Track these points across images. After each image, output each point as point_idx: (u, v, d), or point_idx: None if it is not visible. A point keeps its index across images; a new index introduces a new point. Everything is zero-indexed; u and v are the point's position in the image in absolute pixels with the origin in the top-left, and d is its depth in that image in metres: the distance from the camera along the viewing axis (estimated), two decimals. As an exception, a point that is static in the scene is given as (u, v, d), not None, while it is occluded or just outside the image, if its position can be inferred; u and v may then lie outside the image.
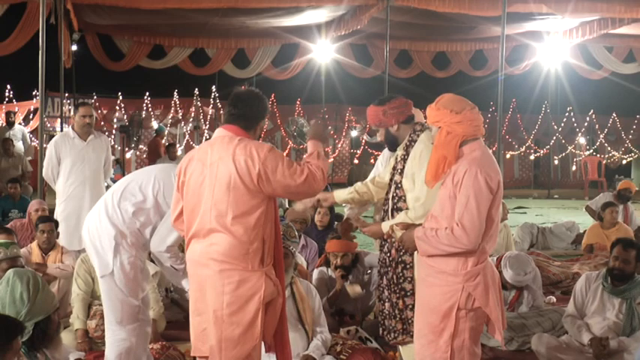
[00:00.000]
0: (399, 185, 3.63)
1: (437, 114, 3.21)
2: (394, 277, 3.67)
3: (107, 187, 5.97)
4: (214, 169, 3.17)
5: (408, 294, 3.61)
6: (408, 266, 3.62)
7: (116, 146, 18.90)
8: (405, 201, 3.59)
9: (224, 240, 3.14)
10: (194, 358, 4.09)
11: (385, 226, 3.62)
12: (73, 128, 6.63)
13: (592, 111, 20.15)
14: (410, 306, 3.60)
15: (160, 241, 3.86)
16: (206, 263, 3.19)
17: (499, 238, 6.83)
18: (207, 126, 18.46)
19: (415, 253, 3.51)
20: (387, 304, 3.74)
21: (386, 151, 4.58)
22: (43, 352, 3.22)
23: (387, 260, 3.73)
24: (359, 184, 4.15)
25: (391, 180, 3.74)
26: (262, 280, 3.15)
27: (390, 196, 3.71)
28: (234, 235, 3.12)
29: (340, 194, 4.16)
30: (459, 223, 3.04)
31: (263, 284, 3.15)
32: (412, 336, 3.57)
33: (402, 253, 3.62)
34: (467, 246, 3.06)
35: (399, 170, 3.65)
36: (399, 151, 3.72)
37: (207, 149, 3.27)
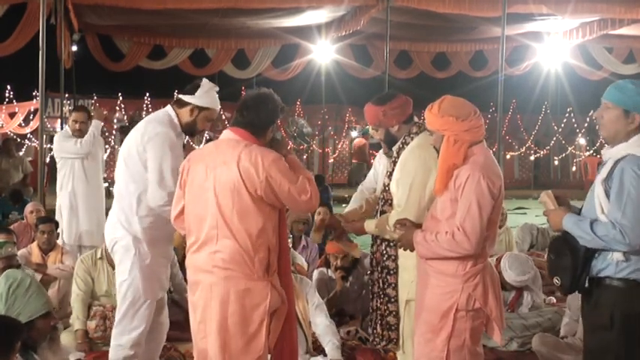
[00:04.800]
0: (387, 188, 3.58)
1: (442, 122, 3.13)
2: (379, 281, 3.63)
3: (107, 189, 5.97)
4: (218, 173, 3.11)
5: (392, 300, 3.56)
6: (391, 272, 3.56)
7: (116, 147, 18.89)
8: (390, 205, 3.54)
9: (229, 247, 3.09)
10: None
11: (367, 225, 3.58)
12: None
13: (592, 111, 20.10)
14: (393, 312, 3.55)
15: (155, 190, 3.76)
16: (211, 270, 3.13)
17: (501, 244, 6.85)
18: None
19: (400, 258, 3.52)
20: (374, 308, 3.70)
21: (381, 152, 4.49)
22: (32, 356, 3.19)
23: (374, 262, 3.70)
24: (364, 195, 4.03)
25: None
26: (268, 290, 3.11)
27: (380, 197, 3.68)
28: (238, 242, 3.07)
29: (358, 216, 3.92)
30: (461, 228, 3.03)
31: (268, 294, 3.11)
32: (396, 344, 3.58)
33: (385, 258, 3.58)
34: (468, 251, 3.05)
35: (388, 173, 3.59)
36: (393, 153, 3.65)
37: (212, 151, 3.21)
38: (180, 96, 3.93)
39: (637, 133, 2.89)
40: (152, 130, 3.82)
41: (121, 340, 3.94)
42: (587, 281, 2.95)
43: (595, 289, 2.94)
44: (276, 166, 3.08)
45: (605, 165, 2.94)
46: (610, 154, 2.93)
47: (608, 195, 2.84)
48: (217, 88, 3.95)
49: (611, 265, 2.86)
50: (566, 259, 2.95)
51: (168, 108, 3.97)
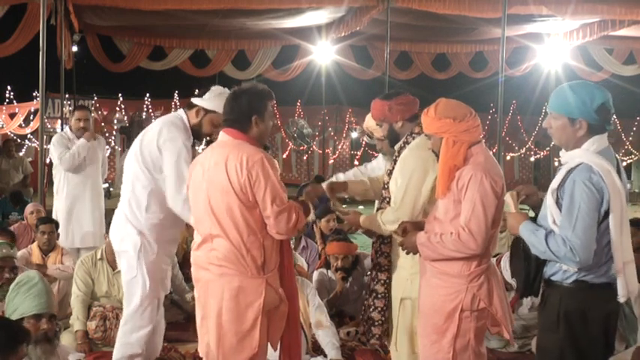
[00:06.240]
0: (386, 186, 3.62)
1: (440, 124, 3.15)
2: (370, 277, 3.68)
3: (108, 190, 5.95)
4: (211, 174, 3.16)
5: (379, 296, 3.59)
6: (383, 268, 3.60)
7: (116, 147, 18.92)
8: (388, 203, 3.58)
9: (222, 245, 3.13)
10: (194, 358, 4.09)
11: (362, 219, 3.60)
12: (70, 129, 6.65)
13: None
14: (378, 308, 3.58)
15: (174, 195, 3.82)
16: (207, 267, 3.19)
17: (503, 248, 6.86)
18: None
19: (394, 255, 3.54)
20: (365, 306, 3.73)
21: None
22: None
23: (372, 259, 3.74)
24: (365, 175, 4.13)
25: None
26: (262, 288, 3.12)
27: (379, 194, 3.72)
28: (231, 241, 3.11)
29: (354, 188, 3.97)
30: (466, 228, 3.03)
31: (263, 292, 3.12)
32: (379, 339, 3.62)
33: (378, 255, 3.62)
34: (475, 251, 3.05)
35: (389, 171, 3.63)
36: (395, 151, 3.68)
37: (207, 152, 3.27)
38: (192, 99, 4.05)
39: (589, 137, 2.85)
40: (168, 134, 3.90)
41: (130, 338, 3.98)
42: (541, 285, 2.94)
43: (547, 289, 2.95)
44: (259, 166, 3.09)
45: (559, 172, 2.90)
46: (565, 159, 2.89)
47: (559, 205, 2.79)
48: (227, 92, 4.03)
49: (559, 272, 2.86)
50: (520, 264, 2.96)
51: (181, 111, 4.08)
